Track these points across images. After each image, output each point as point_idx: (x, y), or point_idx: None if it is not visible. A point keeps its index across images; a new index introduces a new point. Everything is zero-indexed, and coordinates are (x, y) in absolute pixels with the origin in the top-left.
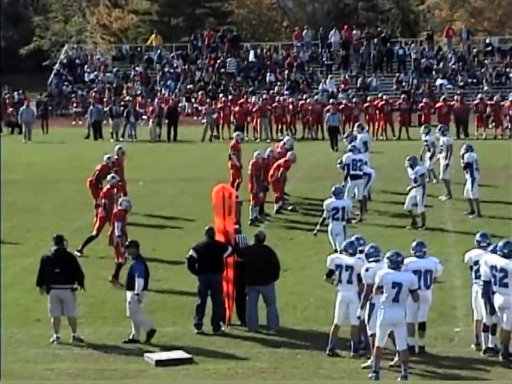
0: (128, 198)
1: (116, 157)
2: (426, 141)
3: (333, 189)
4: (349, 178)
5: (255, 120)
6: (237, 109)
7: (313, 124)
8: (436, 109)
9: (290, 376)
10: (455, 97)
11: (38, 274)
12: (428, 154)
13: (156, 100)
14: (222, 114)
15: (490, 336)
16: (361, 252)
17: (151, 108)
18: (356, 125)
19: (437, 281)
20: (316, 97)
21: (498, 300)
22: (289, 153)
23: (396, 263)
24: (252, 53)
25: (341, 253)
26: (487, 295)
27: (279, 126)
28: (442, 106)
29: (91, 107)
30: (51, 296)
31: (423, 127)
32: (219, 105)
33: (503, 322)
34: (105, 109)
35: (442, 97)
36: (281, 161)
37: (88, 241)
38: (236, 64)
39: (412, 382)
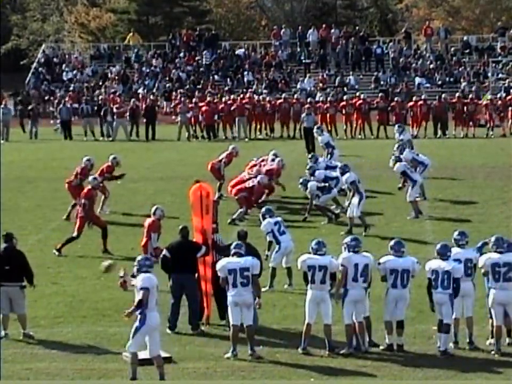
0: (162, 208)
1: (109, 164)
2: (401, 140)
3: (263, 210)
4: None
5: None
6: (204, 108)
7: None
8: (409, 107)
9: (269, 375)
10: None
11: None
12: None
13: (132, 99)
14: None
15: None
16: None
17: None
18: (316, 127)
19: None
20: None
21: (500, 295)
22: (277, 159)
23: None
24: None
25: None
26: (458, 291)
27: (257, 125)
28: (420, 105)
29: (60, 106)
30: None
31: (396, 126)
32: (190, 105)
33: (498, 319)
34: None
35: (421, 96)
36: (271, 168)
37: (68, 241)
38: (211, 55)
39: (391, 382)
